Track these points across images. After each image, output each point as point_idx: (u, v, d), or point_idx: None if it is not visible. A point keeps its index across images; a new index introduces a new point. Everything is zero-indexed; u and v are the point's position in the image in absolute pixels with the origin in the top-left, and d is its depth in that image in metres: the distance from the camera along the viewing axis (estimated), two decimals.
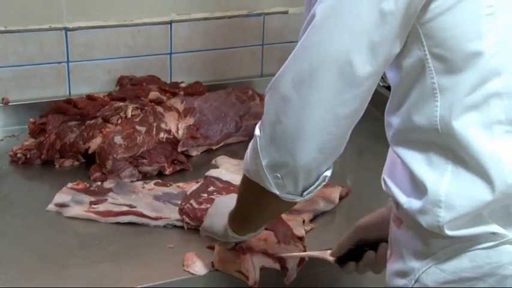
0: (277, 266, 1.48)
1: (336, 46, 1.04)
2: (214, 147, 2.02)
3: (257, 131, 1.15)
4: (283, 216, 1.57)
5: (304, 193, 1.16)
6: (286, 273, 1.48)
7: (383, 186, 1.22)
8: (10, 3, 2.06)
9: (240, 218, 1.33)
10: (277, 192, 1.16)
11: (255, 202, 1.24)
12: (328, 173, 1.15)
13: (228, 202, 1.40)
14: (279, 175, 1.14)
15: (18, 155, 1.91)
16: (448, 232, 1.11)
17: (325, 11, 1.04)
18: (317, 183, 1.15)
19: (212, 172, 1.80)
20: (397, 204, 1.19)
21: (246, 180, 1.22)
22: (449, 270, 1.14)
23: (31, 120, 2.00)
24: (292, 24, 2.42)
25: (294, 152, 1.10)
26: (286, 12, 2.41)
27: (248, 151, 1.19)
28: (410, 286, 1.17)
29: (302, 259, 1.49)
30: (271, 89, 1.12)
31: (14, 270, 1.46)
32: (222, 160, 1.92)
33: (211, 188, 1.71)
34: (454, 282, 1.14)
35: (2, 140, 2.04)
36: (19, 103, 2.12)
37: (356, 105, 1.08)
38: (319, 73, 1.05)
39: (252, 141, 1.18)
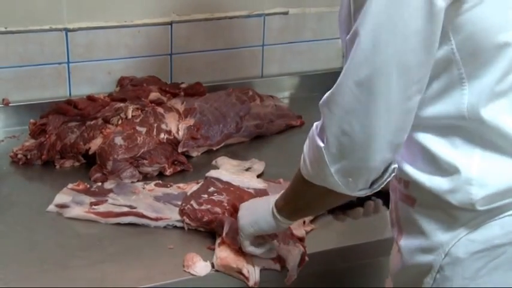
0: (277, 266, 1.48)
1: (393, 51, 1.06)
2: (214, 148, 2.02)
3: (319, 142, 1.15)
4: None
5: (374, 186, 1.18)
6: (287, 274, 1.48)
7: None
8: (11, 4, 2.06)
9: (294, 210, 1.33)
10: (350, 193, 1.18)
11: (318, 199, 1.26)
12: (395, 165, 1.17)
13: (257, 201, 1.44)
14: (350, 179, 1.15)
15: (19, 156, 1.91)
16: (480, 207, 1.15)
17: (373, 20, 1.06)
18: (386, 175, 1.16)
19: (212, 173, 1.80)
20: (406, 183, 1.22)
21: (306, 183, 1.22)
22: (480, 239, 1.17)
23: (31, 120, 2.00)
24: (292, 25, 2.42)
25: (367, 158, 1.12)
26: (286, 13, 2.41)
27: (308, 158, 1.19)
28: (441, 260, 1.20)
29: (303, 258, 1.49)
30: (329, 103, 1.13)
31: (14, 271, 1.46)
32: (223, 161, 1.92)
33: (211, 189, 1.71)
34: (486, 250, 1.17)
35: (3, 140, 2.04)
36: (19, 104, 2.12)
37: (416, 99, 1.11)
38: (379, 80, 1.07)
39: (312, 148, 1.18)
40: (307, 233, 1.61)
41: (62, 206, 1.69)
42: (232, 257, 1.47)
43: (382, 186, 1.18)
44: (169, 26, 2.26)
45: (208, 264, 1.49)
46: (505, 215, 1.16)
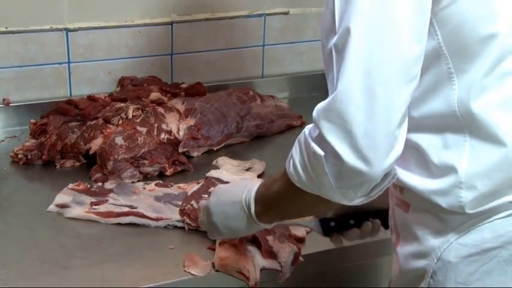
0: (277, 266, 1.48)
1: (389, 50, 1.04)
2: (215, 148, 2.02)
3: (318, 150, 1.09)
4: None
5: (372, 193, 1.14)
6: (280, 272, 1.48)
7: None
8: (11, 4, 2.06)
9: (275, 216, 1.30)
10: (348, 203, 1.14)
11: (308, 206, 1.22)
12: (395, 171, 1.13)
13: (230, 205, 1.35)
14: (351, 190, 1.11)
15: (19, 156, 1.91)
16: (469, 211, 1.14)
17: (363, 18, 1.03)
18: (386, 182, 1.13)
19: (213, 173, 1.80)
20: (401, 189, 1.20)
21: (295, 188, 1.17)
22: (471, 243, 1.16)
23: (32, 121, 2.00)
24: (293, 25, 2.42)
25: (368, 168, 1.06)
26: (287, 13, 2.41)
27: (300, 164, 1.14)
28: (433, 265, 1.19)
29: (296, 258, 1.49)
30: (326, 112, 1.07)
31: (14, 271, 1.46)
32: (223, 161, 1.92)
33: (212, 189, 1.71)
34: (477, 254, 1.16)
35: (3, 140, 2.04)
36: (20, 104, 2.13)
37: (410, 91, 1.08)
38: (378, 83, 1.04)
39: (307, 155, 1.12)
40: (307, 233, 1.61)
41: (63, 206, 1.69)
42: (233, 257, 1.46)
43: (380, 193, 1.15)
44: (170, 26, 2.26)
45: (208, 264, 1.49)
46: (494, 218, 1.16)
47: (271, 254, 1.48)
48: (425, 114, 1.14)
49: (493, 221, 1.15)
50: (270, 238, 1.49)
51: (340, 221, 1.39)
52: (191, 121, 1.99)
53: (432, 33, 1.09)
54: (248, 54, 2.39)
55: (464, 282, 1.17)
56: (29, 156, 1.90)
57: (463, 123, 1.12)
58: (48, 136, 1.92)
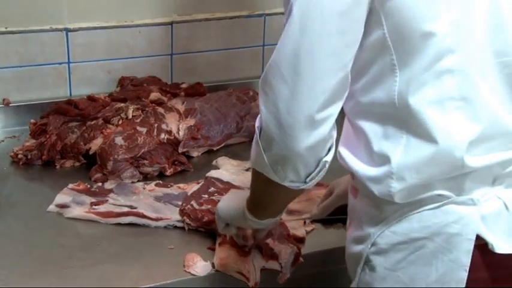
0: (277, 266, 1.48)
1: (319, 30, 1.08)
2: (215, 148, 2.02)
3: (257, 123, 1.18)
4: (285, 216, 1.57)
5: (307, 179, 1.19)
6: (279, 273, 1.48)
7: (338, 158, 1.26)
8: (11, 4, 2.06)
9: (255, 205, 1.34)
10: (281, 182, 1.19)
11: (265, 190, 1.27)
12: (328, 158, 1.18)
13: (242, 192, 1.45)
14: (279, 167, 1.17)
15: (19, 156, 1.91)
16: (399, 201, 1.18)
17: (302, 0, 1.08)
18: (318, 169, 1.18)
19: (213, 173, 1.80)
20: (353, 175, 1.25)
21: (254, 171, 1.24)
22: (400, 231, 1.21)
23: (32, 121, 2.00)
24: None
25: (291, 142, 1.12)
26: None
27: (252, 146, 1.22)
28: (367, 250, 1.24)
29: (297, 258, 1.49)
30: (263, 83, 1.15)
31: (14, 271, 1.46)
32: (223, 161, 1.92)
33: (211, 189, 1.71)
34: (405, 242, 1.21)
35: (3, 140, 2.04)
36: (20, 104, 2.12)
37: (343, 88, 1.13)
38: (305, 59, 1.09)
39: (255, 134, 1.20)
40: (308, 233, 1.61)
41: (63, 206, 1.69)
42: (233, 257, 1.47)
43: (316, 180, 1.19)
44: (170, 26, 2.26)
45: (208, 264, 1.49)
46: (424, 209, 1.20)
47: (272, 256, 1.48)
48: (370, 102, 1.18)
49: (421, 211, 1.20)
50: (269, 241, 1.49)
51: (332, 218, 1.54)
52: (191, 121, 1.99)
53: (379, 24, 1.12)
54: (248, 55, 2.39)
55: (392, 268, 1.22)
56: (29, 156, 1.90)
57: (402, 116, 1.15)
58: (48, 136, 1.92)
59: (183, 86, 2.19)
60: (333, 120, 1.14)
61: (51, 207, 1.69)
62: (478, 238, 1.20)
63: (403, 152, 1.16)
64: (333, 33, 1.09)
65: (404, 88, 1.14)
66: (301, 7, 1.09)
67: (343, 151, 1.25)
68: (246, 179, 1.76)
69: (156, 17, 2.24)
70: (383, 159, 1.17)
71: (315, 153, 1.16)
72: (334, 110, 1.14)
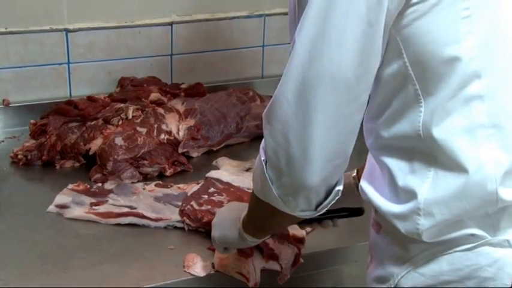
0: (277, 267, 1.48)
1: (328, 63, 1.02)
2: (214, 149, 2.02)
3: (262, 155, 1.12)
4: None
5: (319, 208, 1.14)
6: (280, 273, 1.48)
7: (360, 192, 1.21)
8: (11, 5, 2.06)
9: (255, 228, 1.30)
10: (291, 213, 1.14)
11: (269, 218, 1.22)
12: (340, 187, 1.13)
13: (232, 211, 1.39)
14: (290, 198, 1.11)
15: (19, 156, 1.91)
16: (427, 239, 1.11)
17: (310, 28, 1.02)
18: (330, 198, 1.13)
19: (213, 173, 1.80)
20: (376, 210, 1.18)
21: (257, 199, 1.19)
22: (429, 274, 1.14)
23: (32, 121, 2.00)
24: None
25: (304, 176, 1.07)
26: (287, 14, 2.39)
27: (256, 173, 1.16)
28: None
29: (297, 259, 1.49)
30: (268, 114, 1.09)
31: (14, 272, 1.46)
32: (223, 161, 1.92)
33: (211, 189, 1.71)
34: (434, 285, 1.14)
35: (3, 141, 2.04)
36: (20, 104, 2.12)
37: (356, 118, 1.07)
38: (315, 91, 1.03)
39: (258, 163, 1.15)
40: (307, 233, 1.61)
41: (62, 207, 1.69)
42: (233, 257, 1.46)
43: (326, 209, 1.14)
44: (170, 27, 2.26)
45: (208, 264, 1.49)
46: (455, 250, 1.12)
47: (273, 257, 1.48)
48: (394, 136, 1.12)
49: (452, 253, 1.13)
50: (269, 241, 1.49)
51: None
52: (191, 121, 1.99)
53: (398, 54, 1.07)
54: (248, 55, 2.39)
55: None
56: (29, 157, 1.90)
57: (428, 149, 1.09)
58: (48, 137, 1.92)
59: (183, 86, 2.19)
60: (350, 148, 1.09)
61: (51, 208, 1.69)
62: None
63: (430, 186, 1.09)
64: (342, 63, 1.02)
65: (429, 119, 1.07)
66: (308, 36, 1.02)
67: (366, 186, 1.19)
68: (246, 179, 1.76)
69: (156, 17, 2.24)
70: (409, 195, 1.10)
71: (328, 182, 1.11)
72: (350, 149, 1.08)
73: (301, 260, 1.50)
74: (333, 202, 1.14)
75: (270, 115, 1.08)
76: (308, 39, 1.02)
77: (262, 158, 1.11)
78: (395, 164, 1.12)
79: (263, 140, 1.12)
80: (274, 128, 1.07)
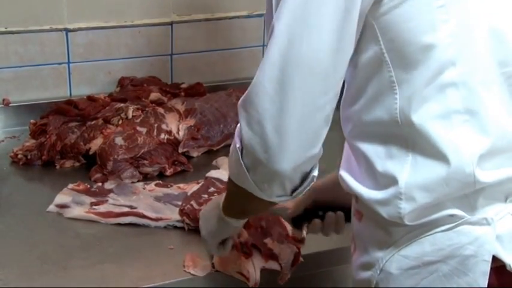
0: (277, 266, 1.48)
1: (306, 48, 1.03)
2: (215, 148, 2.02)
3: (238, 142, 1.13)
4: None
5: (294, 194, 1.15)
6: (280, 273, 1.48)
7: (341, 182, 1.22)
8: (11, 4, 2.06)
9: (234, 211, 1.31)
10: (266, 198, 1.15)
11: (247, 203, 1.23)
12: (315, 173, 1.14)
13: (210, 204, 1.41)
14: (266, 185, 1.13)
15: (19, 156, 1.91)
16: (409, 222, 1.13)
17: (289, 14, 1.04)
18: (305, 184, 1.14)
19: (213, 173, 1.80)
20: (357, 198, 1.20)
21: (233, 184, 1.19)
22: (412, 256, 1.16)
23: (32, 121, 2.00)
24: None
25: (279, 163, 1.08)
26: None
27: (231, 160, 1.17)
28: (376, 276, 1.19)
29: (296, 258, 1.49)
30: (245, 102, 1.10)
31: (14, 271, 1.46)
32: (223, 161, 1.92)
33: (211, 189, 1.71)
34: (418, 267, 1.16)
35: (3, 141, 2.04)
36: (20, 104, 2.12)
37: (330, 107, 1.08)
38: (292, 79, 1.04)
39: (233, 150, 1.15)
40: (306, 233, 1.61)
41: (62, 206, 1.69)
42: (232, 257, 1.46)
43: (302, 193, 1.16)
44: (170, 26, 2.26)
45: (208, 264, 1.49)
46: (435, 231, 1.14)
47: (272, 256, 1.48)
48: (370, 123, 1.13)
49: (433, 233, 1.14)
50: (268, 241, 1.49)
51: (309, 212, 1.43)
52: (191, 121, 1.99)
53: (375, 40, 1.09)
54: (248, 55, 2.39)
55: None
56: (29, 157, 1.90)
57: (406, 134, 1.11)
58: (48, 136, 1.92)
59: (183, 86, 2.19)
60: (323, 137, 1.10)
61: (51, 207, 1.69)
62: (494, 259, 1.14)
63: (410, 171, 1.11)
64: (321, 50, 1.04)
65: (406, 105, 1.09)
66: (287, 23, 1.04)
67: (345, 175, 1.20)
68: None
69: (156, 17, 2.24)
70: (389, 180, 1.12)
71: (303, 170, 1.12)
72: (323, 137, 1.10)
73: (301, 259, 1.50)
74: (307, 188, 1.15)
75: (246, 103, 1.09)
76: (287, 25, 1.04)
77: (238, 146, 1.12)
78: (372, 150, 1.14)
79: (238, 127, 1.13)
80: (251, 115, 1.08)
